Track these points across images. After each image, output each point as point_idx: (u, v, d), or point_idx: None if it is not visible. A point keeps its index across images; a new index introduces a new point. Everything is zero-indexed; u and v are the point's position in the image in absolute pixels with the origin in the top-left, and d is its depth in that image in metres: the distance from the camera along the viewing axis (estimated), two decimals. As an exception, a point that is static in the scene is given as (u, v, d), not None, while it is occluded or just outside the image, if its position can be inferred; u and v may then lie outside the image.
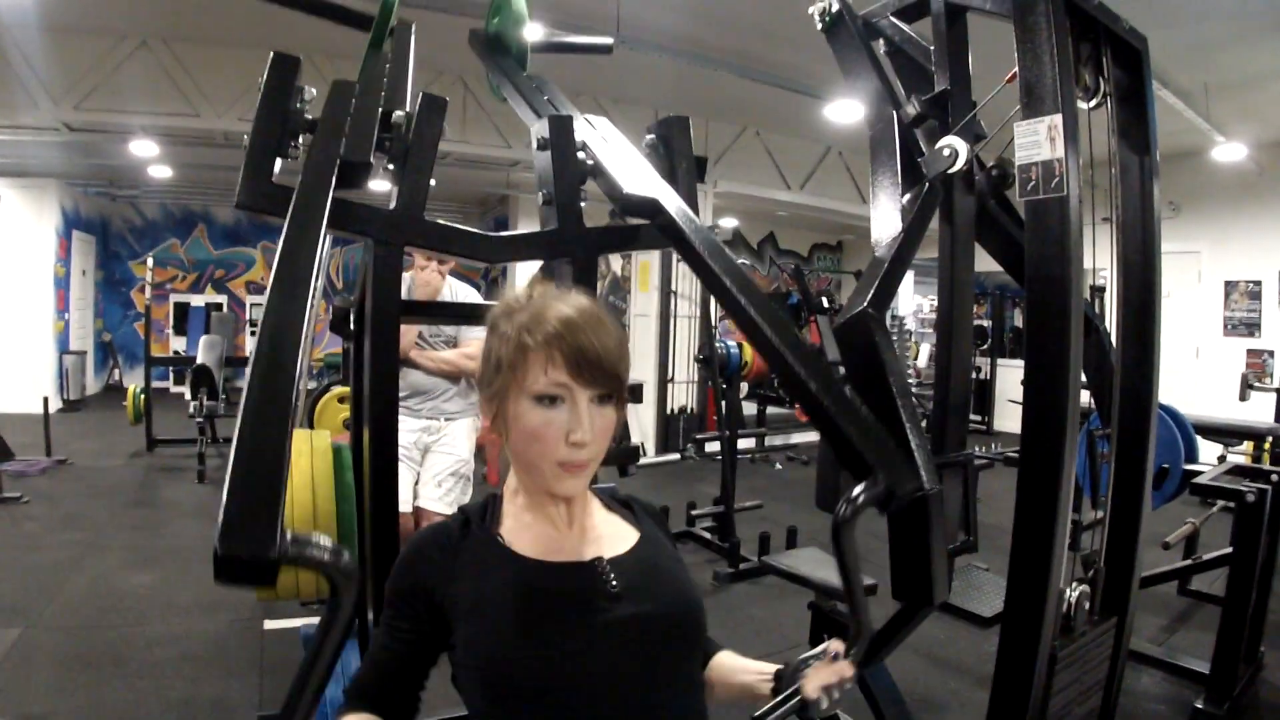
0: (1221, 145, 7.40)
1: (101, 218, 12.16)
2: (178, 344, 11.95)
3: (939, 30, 1.80)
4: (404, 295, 2.93)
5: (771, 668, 1.13)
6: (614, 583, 1.01)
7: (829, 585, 2.74)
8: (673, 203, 1.39)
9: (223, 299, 12.79)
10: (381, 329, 1.43)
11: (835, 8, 1.95)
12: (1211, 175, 8.01)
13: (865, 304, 1.57)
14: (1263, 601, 3.25)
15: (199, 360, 7.34)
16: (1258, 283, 8.70)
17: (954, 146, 1.67)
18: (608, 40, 2.25)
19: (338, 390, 5.09)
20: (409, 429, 3.39)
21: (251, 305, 12.89)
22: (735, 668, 1.18)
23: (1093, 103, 1.55)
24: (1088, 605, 1.95)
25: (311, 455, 1.80)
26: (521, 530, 1.05)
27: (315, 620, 2.70)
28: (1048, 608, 1.69)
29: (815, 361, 1.24)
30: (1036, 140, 1.41)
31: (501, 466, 1.06)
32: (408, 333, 3.01)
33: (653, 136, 1.78)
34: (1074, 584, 1.93)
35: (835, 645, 1.08)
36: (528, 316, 0.99)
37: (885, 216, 1.72)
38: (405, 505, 3.34)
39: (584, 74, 6.86)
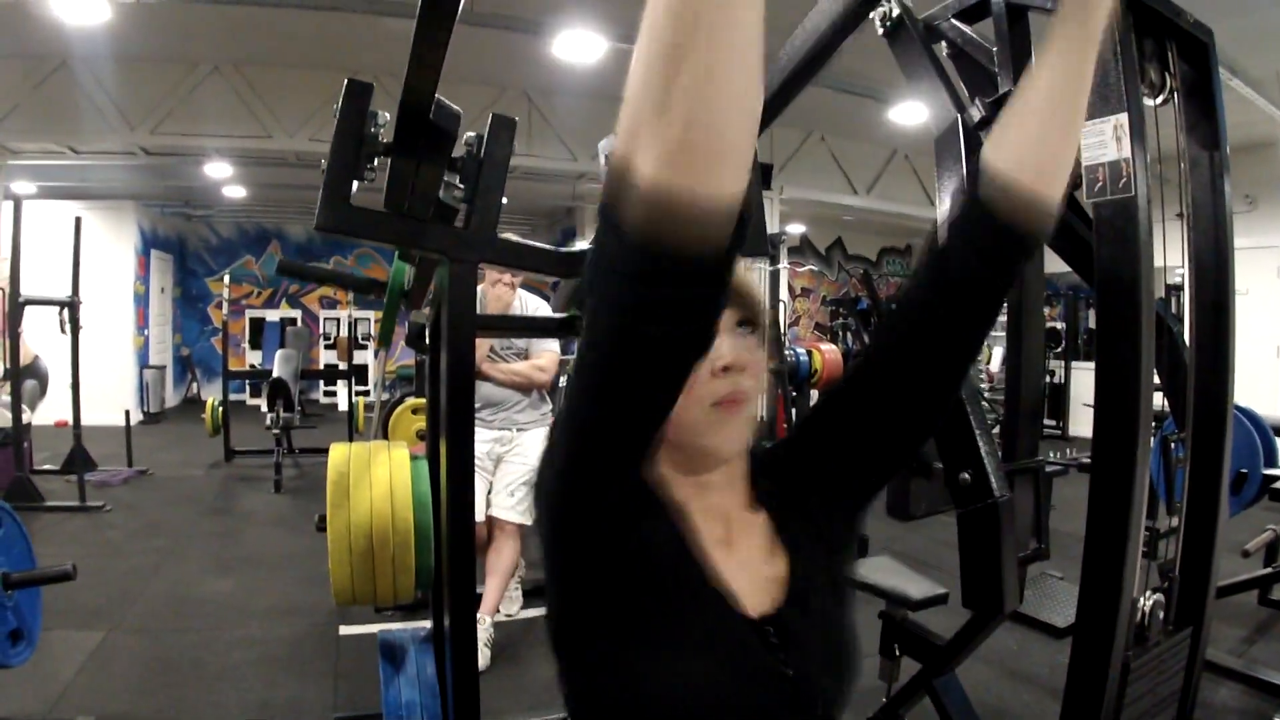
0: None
1: (178, 236, 12.66)
2: (253, 358, 12.37)
3: (1001, 31, 1.79)
4: (477, 309, 3.02)
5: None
6: (774, 638, 0.79)
7: (901, 594, 2.72)
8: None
9: (297, 314, 13.18)
10: (458, 344, 1.48)
11: (896, 12, 1.95)
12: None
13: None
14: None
15: (275, 373, 7.58)
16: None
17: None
18: None
19: (411, 402, 5.21)
20: (482, 440, 3.46)
21: (325, 319, 13.25)
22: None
23: (1159, 99, 1.53)
24: (1162, 615, 1.90)
25: (390, 466, 1.87)
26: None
27: (392, 626, 2.79)
28: (1120, 617, 1.65)
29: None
30: (1103, 140, 1.39)
31: None
32: (480, 346, 3.08)
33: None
34: (1148, 593, 1.89)
35: None
36: None
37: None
38: (479, 514, 3.42)
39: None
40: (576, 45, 5.44)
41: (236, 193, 10.07)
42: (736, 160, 0.51)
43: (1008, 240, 0.78)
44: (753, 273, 0.92)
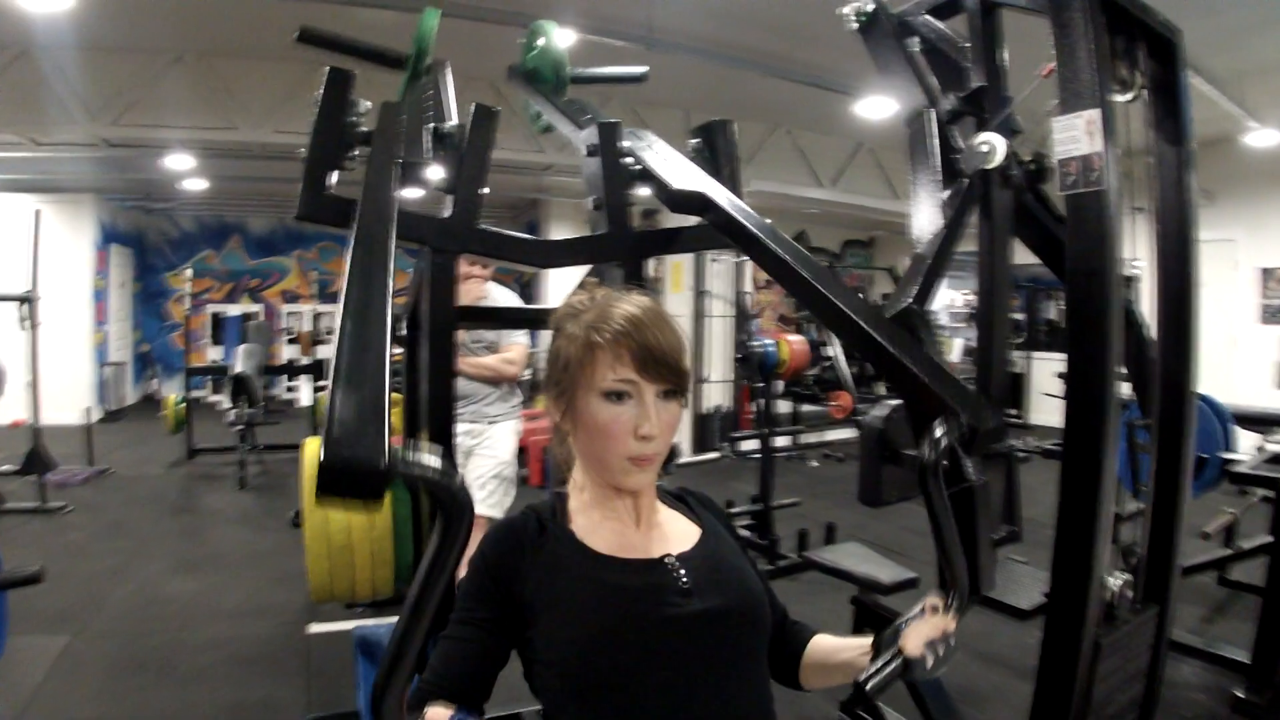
0: (1255, 131, 7.31)
1: (138, 230, 12.41)
2: (214, 353, 12.16)
3: (974, 26, 1.82)
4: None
5: (868, 640, 1.14)
6: (684, 580, 1.05)
7: (871, 579, 2.76)
8: (721, 194, 1.43)
9: (258, 308, 12.99)
10: (438, 335, 1.48)
11: (870, 7, 1.97)
12: (1246, 162, 7.89)
13: (910, 300, 1.60)
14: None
15: (238, 369, 7.48)
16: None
17: (991, 142, 1.69)
18: (641, 70, 2.28)
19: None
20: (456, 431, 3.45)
21: (287, 314, 13.09)
22: (833, 648, 1.22)
23: (1128, 96, 1.57)
24: (1130, 594, 1.96)
25: None
26: (592, 528, 1.07)
27: (366, 622, 2.77)
28: (1091, 596, 1.70)
29: (882, 321, 1.34)
30: (1075, 135, 1.43)
31: (555, 467, 1.08)
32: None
33: (697, 140, 1.81)
34: (1116, 574, 1.94)
35: (932, 601, 1.10)
36: (594, 316, 1.03)
37: (925, 213, 1.74)
38: None
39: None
40: (545, 37, 5.43)
41: (198, 185, 9.89)
42: None
43: (790, 675, 1.23)
44: (686, 340, 1.07)
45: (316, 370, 9.31)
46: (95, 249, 10.48)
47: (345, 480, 0.74)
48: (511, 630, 1.03)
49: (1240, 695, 3.06)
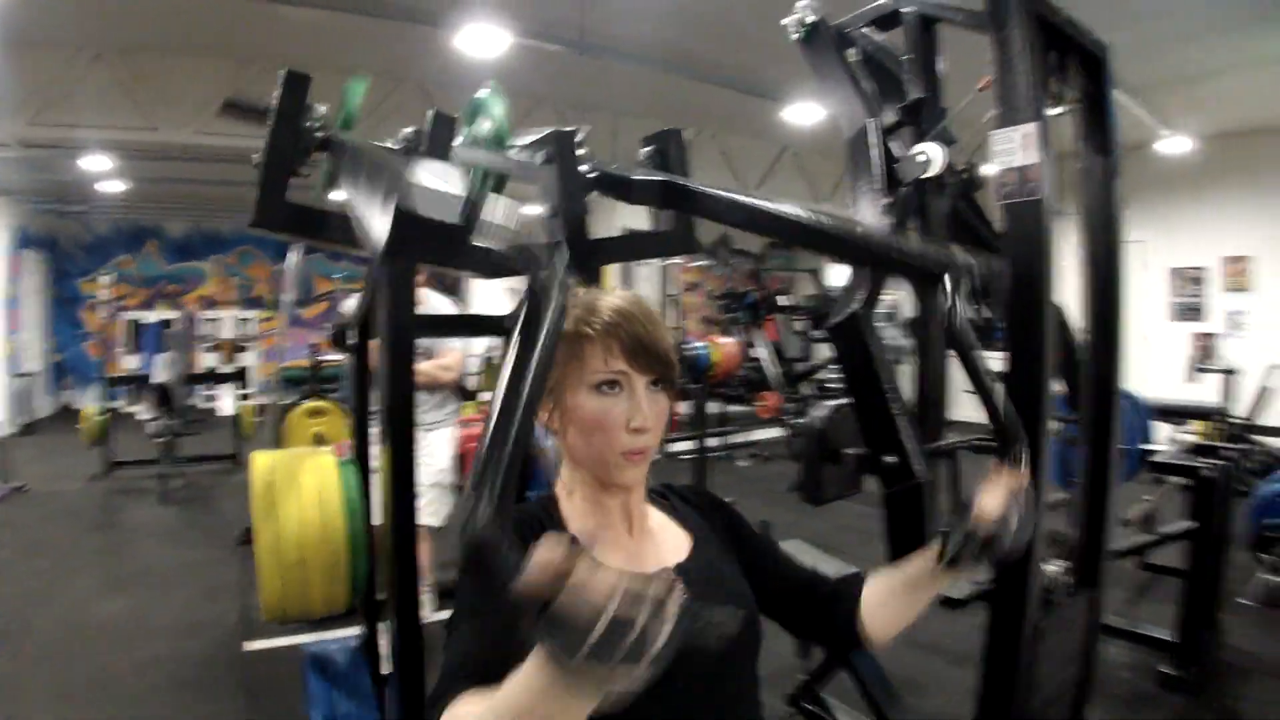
0: (1167, 138, 7.71)
1: (51, 234, 11.88)
2: (132, 362, 11.72)
3: (913, 40, 1.88)
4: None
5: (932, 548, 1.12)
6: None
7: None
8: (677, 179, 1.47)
9: (176, 315, 12.55)
10: (398, 344, 1.47)
11: (812, 19, 2.01)
12: (1157, 168, 8.28)
13: (856, 305, 1.66)
14: (1219, 571, 3.43)
15: (157, 379, 7.24)
16: (1202, 269, 9.05)
17: (929, 152, 1.76)
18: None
19: (308, 405, 5.05)
20: None
21: (205, 321, 12.67)
22: (893, 573, 1.19)
23: (1061, 110, 1.66)
24: (1066, 580, 2.07)
25: (318, 472, 1.83)
26: (589, 537, 1.04)
27: (307, 638, 2.71)
28: (1031, 583, 1.79)
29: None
30: (1012, 147, 1.50)
31: (548, 468, 1.09)
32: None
33: (650, 149, 1.84)
34: (1053, 561, 2.04)
35: (993, 466, 1.11)
36: (582, 310, 1.03)
37: (867, 221, 1.80)
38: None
39: (545, 81, 6.90)
40: (479, 39, 5.38)
41: (116, 187, 9.52)
42: None
43: (851, 636, 1.20)
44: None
45: (239, 378, 9.08)
46: (8, 254, 10.00)
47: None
48: None
49: (1167, 671, 3.25)
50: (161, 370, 7.40)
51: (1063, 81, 1.64)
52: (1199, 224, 8.92)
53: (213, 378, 10.41)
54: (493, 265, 1.62)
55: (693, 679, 0.99)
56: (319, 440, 4.72)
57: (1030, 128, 1.45)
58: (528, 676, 0.69)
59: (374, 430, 2.18)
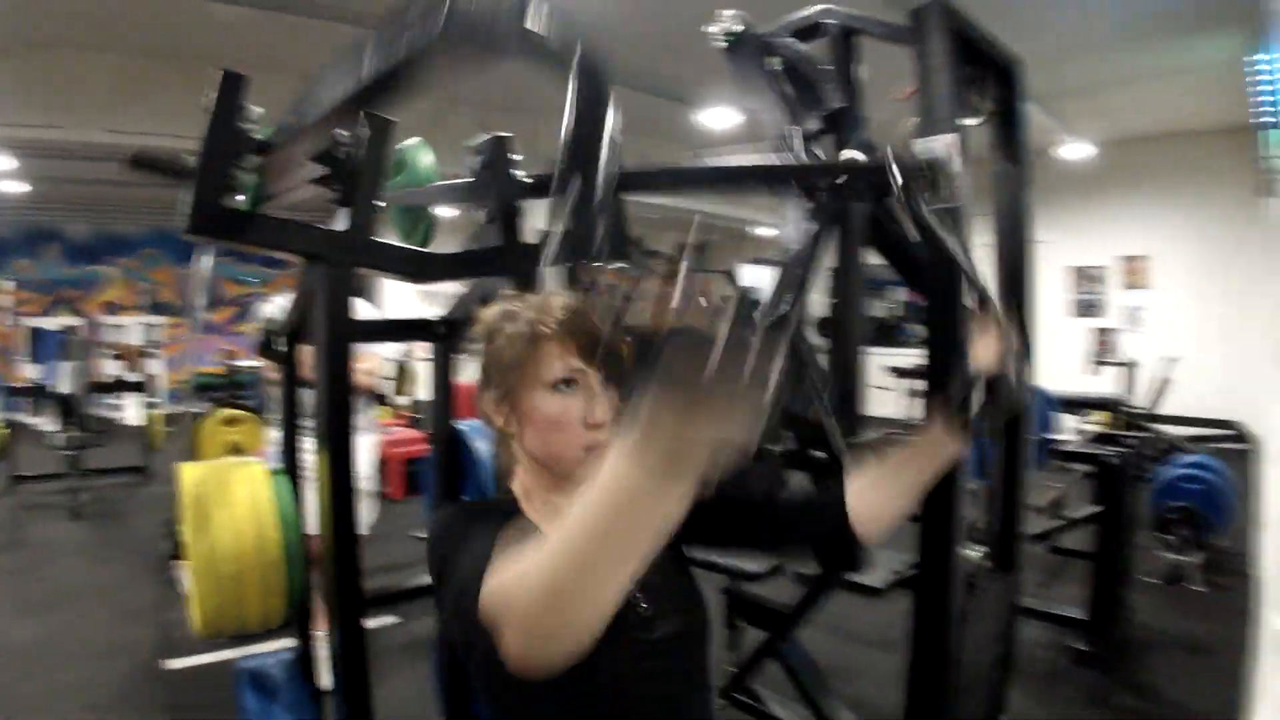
0: (1069, 144, 8.11)
1: (-61, 238, 11.21)
2: (32, 372, 11.12)
3: (835, 50, 1.95)
4: (279, 312, 2.90)
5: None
6: (644, 606, 1.03)
7: (739, 569, 2.88)
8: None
9: (79, 322, 11.98)
10: (337, 350, 1.45)
11: (738, 28, 2.06)
12: (1059, 171, 8.69)
13: (787, 307, 1.71)
14: (1125, 552, 3.64)
15: (61, 389, 6.91)
16: (1101, 268, 9.54)
17: (850, 159, 1.83)
18: None
19: (223, 413, 4.87)
20: (308, 449, 3.36)
21: (109, 327, 12.11)
22: (883, 460, 1.18)
23: (978, 120, 1.75)
24: (986, 565, 2.17)
25: (250, 483, 1.79)
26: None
27: (229, 654, 2.62)
28: (954, 568, 1.88)
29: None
30: (932, 155, 1.58)
31: (500, 472, 1.07)
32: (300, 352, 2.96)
33: (480, 157, 1.85)
34: (974, 546, 2.14)
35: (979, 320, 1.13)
36: (534, 312, 1.04)
37: (792, 225, 1.86)
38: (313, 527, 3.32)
39: (463, 82, 6.85)
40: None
41: (17, 188, 9.04)
42: (573, 653, 0.72)
43: (846, 537, 1.15)
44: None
45: (145, 387, 8.73)
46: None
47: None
48: None
49: (1080, 648, 3.45)
50: (63, 380, 7.04)
51: (978, 93, 1.73)
52: (1098, 225, 9.41)
53: (118, 386, 9.96)
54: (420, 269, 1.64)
55: (654, 690, 1.01)
56: (235, 450, 4.57)
57: (951, 137, 1.53)
58: (612, 474, 0.64)
59: (305, 439, 2.16)
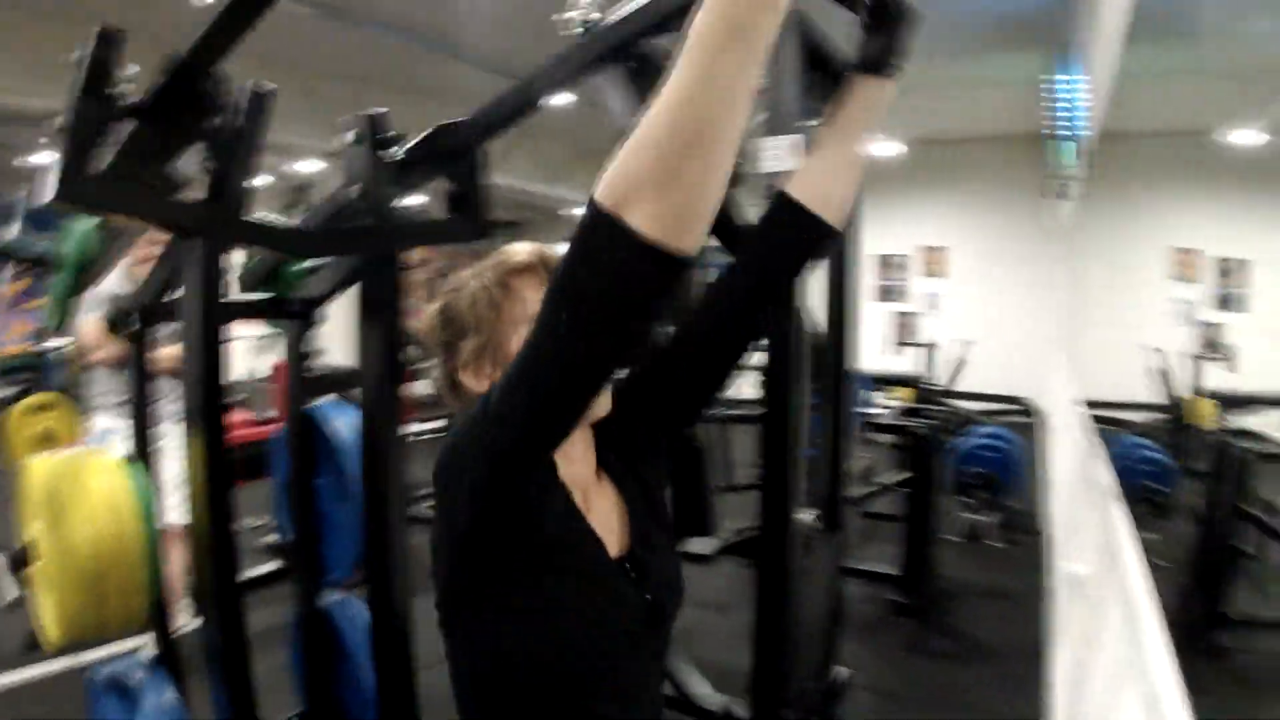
0: (881, 141, 8.80)
1: None
2: None
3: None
4: (116, 287, 2.71)
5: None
6: (646, 593, 1.01)
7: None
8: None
9: None
10: (210, 331, 1.41)
11: (595, 16, 2.13)
12: (870, 166, 9.37)
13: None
14: (932, 514, 4.09)
15: None
16: (904, 257, 10.37)
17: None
18: None
19: (36, 398, 4.41)
20: (166, 435, 3.15)
21: None
22: (814, 143, 1.18)
23: (819, 122, 1.91)
24: (818, 526, 2.39)
25: (106, 476, 1.70)
26: (579, 486, 1.01)
27: (85, 657, 2.39)
28: (793, 530, 2.06)
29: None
30: (779, 154, 1.72)
31: None
32: (98, 329, 2.66)
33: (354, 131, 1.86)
34: (806, 510, 2.35)
35: None
36: (495, 258, 1.03)
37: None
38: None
39: (283, 45, 6.52)
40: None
41: None
42: (711, 215, 0.71)
43: (811, 229, 1.10)
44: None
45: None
46: None
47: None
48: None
49: (897, 600, 3.85)
50: None
51: (820, 97, 1.89)
52: (903, 217, 10.24)
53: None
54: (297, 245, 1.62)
55: (648, 669, 1.04)
56: (48, 438, 4.17)
57: (797, 137, 1.68)
58: None
59: (161, 426, 2.06)
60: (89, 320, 2.76)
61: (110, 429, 2.86)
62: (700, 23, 0.65)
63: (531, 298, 0.99)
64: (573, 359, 0.76)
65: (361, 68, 7.34)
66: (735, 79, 0.66)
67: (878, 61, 1.11)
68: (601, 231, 0.70)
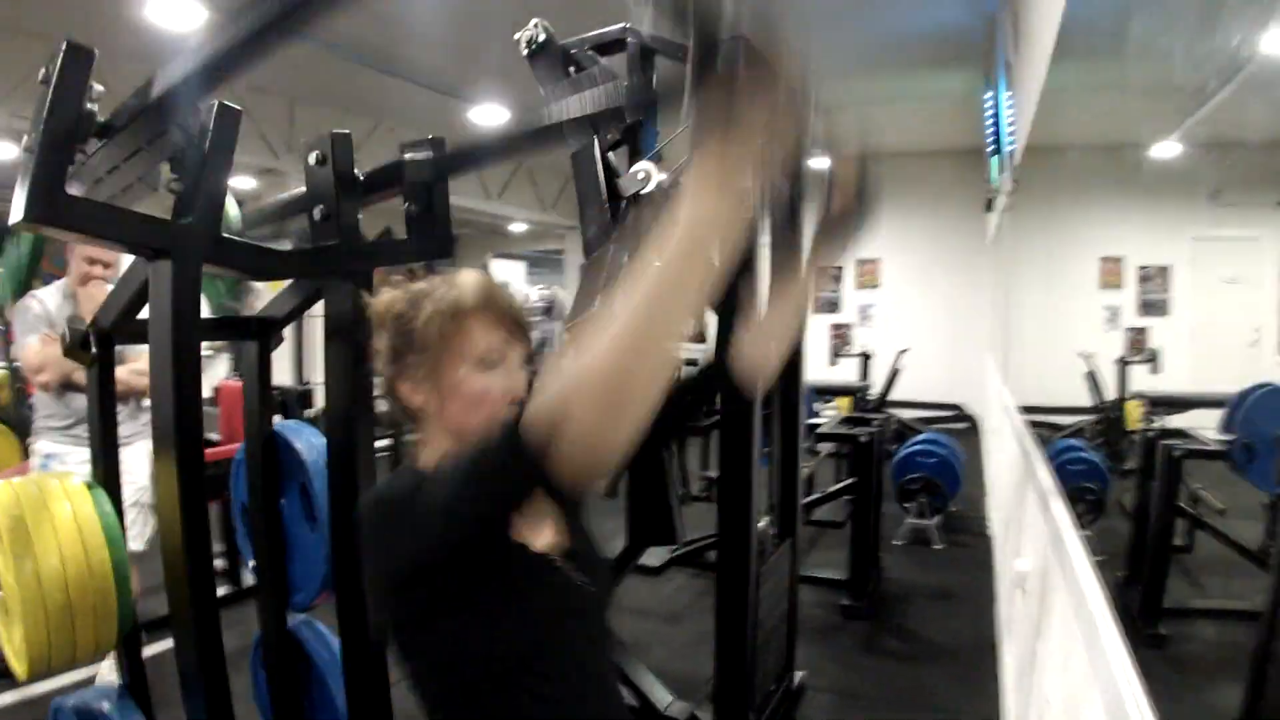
0: (817, 155, 8.98)
1: None
2: None
3: (633, 66, 2.12)
4: (58, 310, 2.64)
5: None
6: (589, 585, 1.07)
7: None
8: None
9: None
10: (184, 350, 1.40)
11: (542, 36, 2.17)
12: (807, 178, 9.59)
13: (594, 307, 1.85)
14: (876, 519, 4.22)
15: None
16: (839, 268, 10.61)
17: (647, 170, 1.99)
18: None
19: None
20: (79, 460, 3.03)
21: None
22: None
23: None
24: (772, 532, 2.47)
25: (72, 500, 1.65)
26: None
27: (47, 686, 2.25)
28: (752, 538, 2.13)
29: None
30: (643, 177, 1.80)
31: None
32: (44, 351, 2.65)
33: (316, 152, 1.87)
34: (762, 518, 2.43)
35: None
36: (450, 290, 1.05)
37: (595, 230, 2.02)
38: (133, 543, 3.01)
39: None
40: (170, 8, 5.25)
41: None
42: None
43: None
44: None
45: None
46: None
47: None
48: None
49: (845, 603, 3.94)
50: None
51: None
52: (837, 230, 10.45)
53: None
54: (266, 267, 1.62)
55: (600, 661, 1.10)
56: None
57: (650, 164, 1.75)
58: (691, 206, 0.72)
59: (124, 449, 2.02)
60: (30, 343, 2.68)
61: (53, 453, 2.76)
62: (669, 246, 0.72)
63: (479, 336, 1.03)
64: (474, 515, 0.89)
65: (294, 83, 7.28)
66: (678, 316, 0.74)
67: (835, 245, 1.27)
68: (521, 457, 0.80)
